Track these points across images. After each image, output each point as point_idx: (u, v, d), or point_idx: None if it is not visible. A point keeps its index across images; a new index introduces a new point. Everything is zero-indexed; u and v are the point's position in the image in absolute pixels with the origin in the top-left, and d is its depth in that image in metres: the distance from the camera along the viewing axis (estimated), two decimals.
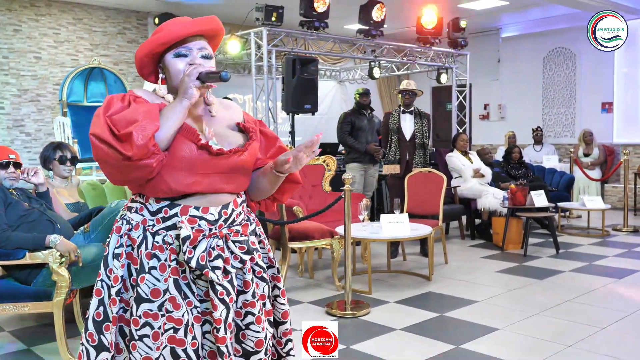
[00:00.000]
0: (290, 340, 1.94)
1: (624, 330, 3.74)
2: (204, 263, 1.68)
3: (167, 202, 1.72)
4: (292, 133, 6.93)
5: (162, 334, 1.67)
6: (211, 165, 1.71)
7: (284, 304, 1.93)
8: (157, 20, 8.06)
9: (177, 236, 1.70)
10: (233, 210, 1.79)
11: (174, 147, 1.66)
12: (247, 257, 1.77)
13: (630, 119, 9.60)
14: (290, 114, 6.82)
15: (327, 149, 7.70)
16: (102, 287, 1.75)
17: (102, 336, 1.73)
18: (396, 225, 4.67)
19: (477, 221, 6.97)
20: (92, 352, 1.74)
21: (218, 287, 1.70)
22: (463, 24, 8.65)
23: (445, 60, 8.97)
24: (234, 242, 1.76)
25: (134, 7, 8.70)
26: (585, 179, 8.83)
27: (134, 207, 1.77)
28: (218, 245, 1.72)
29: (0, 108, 7.78)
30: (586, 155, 9.26)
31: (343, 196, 4.13)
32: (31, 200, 3.45)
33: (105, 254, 1.78)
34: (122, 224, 1.78)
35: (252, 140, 1.82)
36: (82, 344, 1.77)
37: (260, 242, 1.91)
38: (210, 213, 1.74)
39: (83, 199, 4.38)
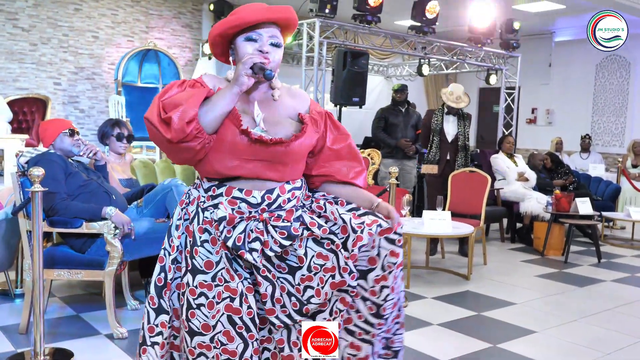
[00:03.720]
0: (386, 286, 1.86)
1: None
2: (240, 244, 1.74)
3: (217, 182, 1.81)
4: None
5: (218, 303, 1.75)
6: (252, 151, 1.75)
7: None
8: (212, 7, 8.19)
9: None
10: (279, 196, 1.81)
11: (220, 130, 1.73)
12: (287, 243, 1.78)
13: None
14: (338, 106, 6.88)
15: (371, 142, 7.74)
16: (165, 254, 1.87)
17: (161, 300, 1.86)
18: (438, 222, 4.69)
19: (518, 225, 6.92)
20: (152, 314, 1.86)
21: (259, 265, 1.77)
22: (516, 25, 8.55)
23: (496, 61, 8.88)
24: (274, 226, 1.78)
25: None
26: (633, 190, 8.64)
27: (196, 183, 1.89)
28: (258, 229, 1.77)
29: (57, 84, 8.06)
30: (635, 166, 9.05)
31: (388, 189, 4.17)
32: (89, 172, 3.60)
33: (170, 224, 1.89)
34: (185, 197, 1.89)
35: (302, 134, 1.82)
36: (146, 306, 1.90)
37: (321, 216, 1.89)
38: (252, 196, 1.79)
39: (135, 175, 4.53)
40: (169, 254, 1.86)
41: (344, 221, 1.85)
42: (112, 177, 3.95)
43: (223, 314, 1.75)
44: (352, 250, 1.82)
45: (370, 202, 1.94)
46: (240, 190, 1.78)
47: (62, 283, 4.33)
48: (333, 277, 1.80)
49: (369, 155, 5.78)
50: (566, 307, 4.36)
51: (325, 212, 1.88)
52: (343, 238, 1.83)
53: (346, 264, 1.81)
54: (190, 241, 1.81)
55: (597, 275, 5.39)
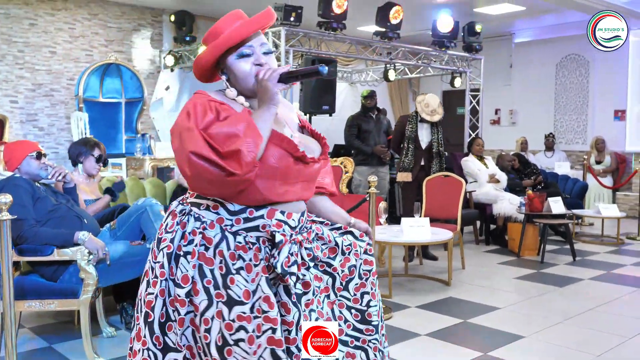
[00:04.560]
0: (366, 292, 1.90)
1: None
2: (287, 268, 1.63)
3: (254, 205, 1.66)
4: None
5: (258, 336, 1.58)
6: (301, 173, 1.69)
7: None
8: (172, 18, 8.01)
9: (258, 238, 1.65)
10: (306, 218, 1.79)
11: (266, 156, 1.60)
12: (312, 264, 1.75)
13: None
14: (308, 114, 6.79)
15: (341, 150, 7.67)
16: (168, 287, 1.65)
17: (166, 337, 1.66)
18: (417, 229, 4.64)
19: (492, 227, 6.93)
20: (160, 355, 1.66)
21: (293, 291, 1.64)
22: (478, 28, 8.62)
23: (460, 64, 8.93)
24: (305, 248, 1.73)
25: (149, 4, 8.67)
26: (598, 186, 8.79)
27: (205, 203, 1.67)
28: (295, 252, 1.68)
29: (14, 102, 7.75)
30: (598, 162, 9.23)
31: (368, 199, 4.09)
32: (57, 195, 3.42)
33: (168, 251, 1.65)
34: (188, 220, 1.67)
35: (327, 147, 1.85)
36: (148, 349, 1.67)
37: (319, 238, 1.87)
38: (292, 219, 1.70)
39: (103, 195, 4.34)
40: (180, 286, 1.62)
41: (336, 243, 1.86)
42: (79, 199, 3.78)
43: (265, 348, 1.58)
44: (342, 271, 1.87)
45: (344, 219, 2.00)
46: (282, 212, 1.68)
47: (30, 312, 4.11)
48: (328, 297, 1.83)
49: (341, 163, 5.70)
50: (549, 308, 4.35)
51: (322, 234, 1.85)
52: (332, 258, 1.86)
53: (341, 284, 1.86)
54: (211, 269, 1.62)
55: (574, 274, 5.41)
